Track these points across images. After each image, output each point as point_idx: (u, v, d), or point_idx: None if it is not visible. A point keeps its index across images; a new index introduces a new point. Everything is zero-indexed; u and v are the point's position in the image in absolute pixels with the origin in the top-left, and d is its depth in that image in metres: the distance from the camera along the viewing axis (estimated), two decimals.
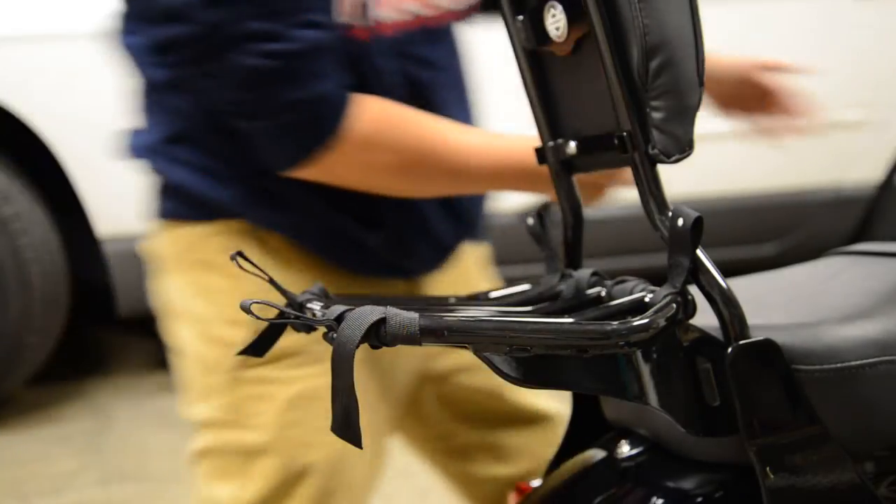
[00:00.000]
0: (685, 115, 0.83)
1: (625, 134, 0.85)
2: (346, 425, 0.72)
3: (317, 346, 1.12)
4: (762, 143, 1.43)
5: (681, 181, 1.51)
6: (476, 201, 1.29)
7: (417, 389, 1.31)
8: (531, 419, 1.34)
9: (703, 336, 0.84)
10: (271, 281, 0.83)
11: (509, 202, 1.46)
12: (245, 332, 1.06)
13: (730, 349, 0.83)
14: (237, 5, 0.99)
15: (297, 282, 1.04)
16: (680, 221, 0.81)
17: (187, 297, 1.17)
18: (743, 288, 0.87)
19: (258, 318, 0.75)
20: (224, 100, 1.05)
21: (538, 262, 1.01)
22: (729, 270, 0.87)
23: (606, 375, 0.84)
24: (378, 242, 1.17)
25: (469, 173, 1.12)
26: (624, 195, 1.12)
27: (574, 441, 1.06)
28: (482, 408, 1.33)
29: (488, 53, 1.51)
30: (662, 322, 0.78)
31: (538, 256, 1.02)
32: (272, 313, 0.80)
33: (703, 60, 0.84)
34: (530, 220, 1.02)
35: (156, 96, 1.16)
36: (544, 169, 1.00)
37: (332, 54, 1.04)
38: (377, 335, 0.72)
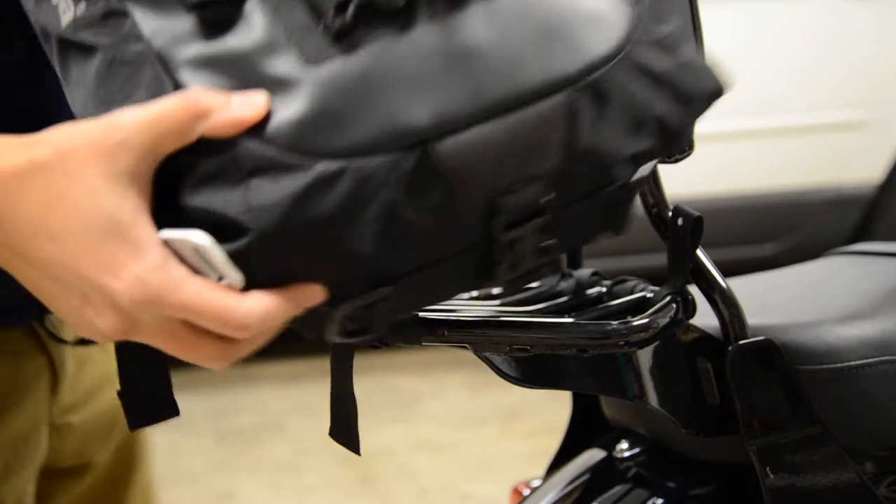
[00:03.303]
0: None
1: None
2: (345, 431, 0.72)
3: None
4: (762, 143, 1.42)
5: (682, 181, 1.51)
6: None
7: None
8: None
9: (703, 336, 0.84)
10: None
11: None
12: None
13: (730, 349, 0.83)
14: None
15: None
16: (680, 221, 0.81)
17: None
18: (743, 288, 0.87)
19: None
20: None
21: None
22: (729, 270, 0.87)
23: (606, 375, 0.84)
24: None
25: None
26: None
27: (574, 441, 1.06)
28: None
29: None
30: (662, 322, 0.78)
31: None
32: None
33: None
34: None
35: None
36: None
37: None
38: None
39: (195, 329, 0.56)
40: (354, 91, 0.55)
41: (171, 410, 0.67)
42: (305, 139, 0.54)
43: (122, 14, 0.57)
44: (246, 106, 0.54)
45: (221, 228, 0.54)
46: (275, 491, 2.66)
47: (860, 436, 0.86)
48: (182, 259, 0.55)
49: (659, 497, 0.93)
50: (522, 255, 0.61)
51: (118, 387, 0.66)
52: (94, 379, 0.94)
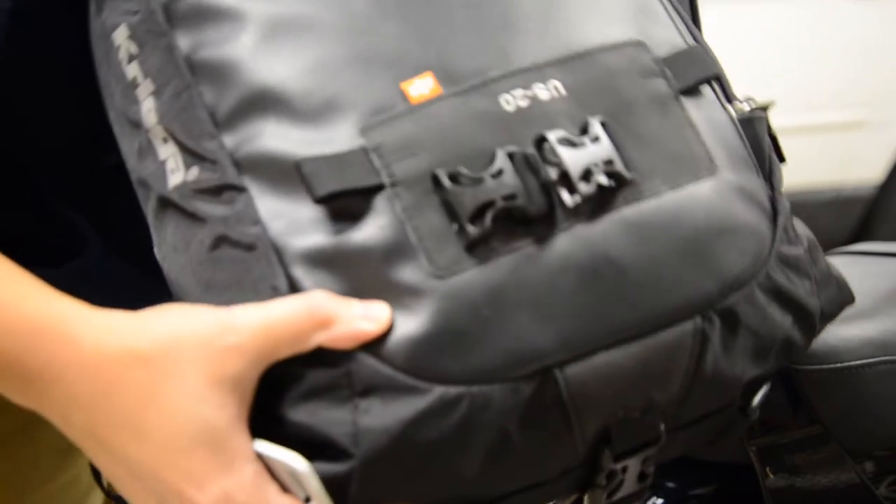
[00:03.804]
0: None
1: None
2: None
3: None
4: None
5: None
6: None
7: None
8: None
9: None
10: None
11: None
12: None
13: None
14: None
15: None
16: None
17: None
18: None
19: None
20: None
21: None
22: None
23: None
24: None
25: None
26: None
27: None
28: None
29: None
30: None
31: None
32: None
33: None
34: None
35: None
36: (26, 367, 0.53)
37: None
38: None
39: None
40: (482, 310, 0.50)
41: None
42: (425, 360, 0.50)
43: (240, 189, 0.52)
44: (369, 320, 0.49)
45: (322, 446, 0.50)
46: None
47: (860, 436, 0.86)
48: (272, 471, 0.51)
49: (659, 497, 0.93)
50: (622, 482, 0.57)
51: None
52: None
